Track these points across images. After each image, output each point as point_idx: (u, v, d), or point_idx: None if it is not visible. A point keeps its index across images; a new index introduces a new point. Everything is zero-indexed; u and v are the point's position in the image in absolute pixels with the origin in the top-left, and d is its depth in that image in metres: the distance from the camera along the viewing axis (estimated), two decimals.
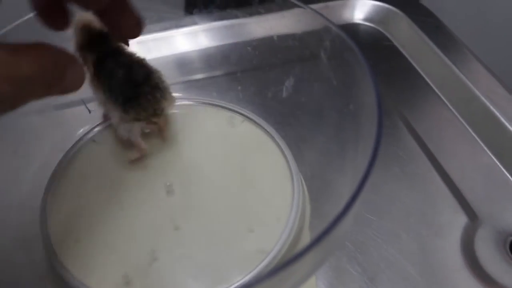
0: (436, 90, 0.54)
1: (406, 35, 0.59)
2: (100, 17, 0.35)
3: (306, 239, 0.39)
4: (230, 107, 0.47)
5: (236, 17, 0.45)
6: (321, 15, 0.39)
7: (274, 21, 0.44)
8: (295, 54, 0.44)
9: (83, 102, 0.44)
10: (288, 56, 0.45)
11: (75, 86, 0.29)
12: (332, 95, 0.40)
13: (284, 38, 0.44)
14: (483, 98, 0.50)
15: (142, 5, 0.34)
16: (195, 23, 0.50)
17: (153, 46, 0.52)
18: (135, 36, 0.36)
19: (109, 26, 0.36)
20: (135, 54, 0.40)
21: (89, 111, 0.43)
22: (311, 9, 0.40)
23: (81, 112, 0.44)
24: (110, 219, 0.39)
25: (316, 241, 0.26)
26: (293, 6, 0.41)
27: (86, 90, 0.46)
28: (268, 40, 0.45)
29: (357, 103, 0.36)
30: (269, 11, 0.44)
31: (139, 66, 0.39)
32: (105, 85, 0.39)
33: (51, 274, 0.37)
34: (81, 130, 0.44)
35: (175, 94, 0.40)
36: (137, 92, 0.38)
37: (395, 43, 0.59)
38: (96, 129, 0.45)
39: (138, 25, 0.35)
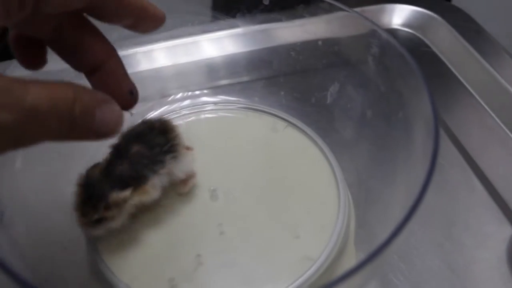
0: (477, 96, 0.54)
1: (445, 40, 0.59)
2: (90, 79, 0.31)
3: (351, 247, 0.39)
4: (273, 112, 0.47)
5: (280, 20, 0.46)
6: (370, 20, 0.39)
7: (318, 25, 0.44)
8: (340, 59, 0.44)
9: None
10: (333, 61, 0.45)
11: (109, 129, 0.26)
12: (379, 102, 0.40)
13: (329, 42, 0.45)
14: None
15: (186, 7, 0.34)
16: (237, 26, 0.50)
17: (195, 49, 0.52)
18: (127, 106, 0.32)
19: (100, 87, 0.31)
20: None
21: (131, 114, 0.44)
22: (358, 13, 0.41)
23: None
24: (154, 221, 0.39)
25: (373, 255, 0.26)
26: (339, 10, 0.42)
27: None
28: (312, 44, 0.46)
29: (408, 111, 0.36)
30: (313, 15, 0.44)
31: None
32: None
33: (94, 276, 0.37)
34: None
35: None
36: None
37: (434, 49, 0.59)
38: None
39: (132, 94, 0.32)
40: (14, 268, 0.26)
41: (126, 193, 0.35)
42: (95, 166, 0.37)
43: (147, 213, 0.39)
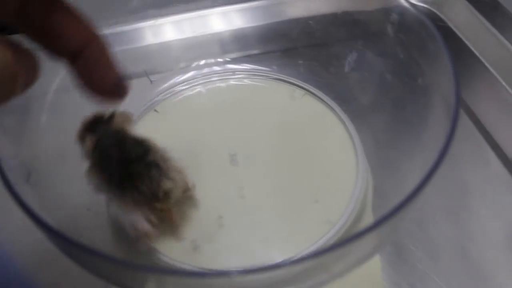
0: (493, 72, 0.54)
1: (460, 15, 0.59)
2: (72, 69, 0.28)
3: (368, 213, 0.41)
4: (291, 80, 0.48)
5: None
6: None
7: None
8: (358, 28, 0.45)
9: (146, 73, 0.46)
10: (351, 30, 0.46)
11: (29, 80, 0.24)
12: (398, 70, 0.42)
13: (347, 13, 0.46)
14: None
15: None
16: None
17: (210, 21, 0.53)
18: (113, 99, 0.29)
19: (81, 78, 0.28)
20: (140, 137, 0.37)
21: (151, 81, 0.45)
22: None
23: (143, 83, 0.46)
24: None
25: (391, 214, 0.27)
26: None
27: (148, 60, 0.48)
28: (331, 15, 0.47)
29: (428, 78, 0.38)
30: None
31: (136, 143, 0.36)
32: (99, 168, 0.35)
33: (117, 237, 0.39)
34: (143, 101, 0.46)
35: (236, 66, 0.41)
36: (129, 171, 0.34)
37: (449, 24, 0.60)
38: (157, 98, 0.47)
39: (118, 86, 0.28)
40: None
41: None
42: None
43: None
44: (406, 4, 0.39)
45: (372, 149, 0.43)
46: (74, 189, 0.40)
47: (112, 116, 0.36)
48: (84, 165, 0.38)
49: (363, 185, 0.40)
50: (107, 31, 0.48)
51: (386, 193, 0.41)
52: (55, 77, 0.40)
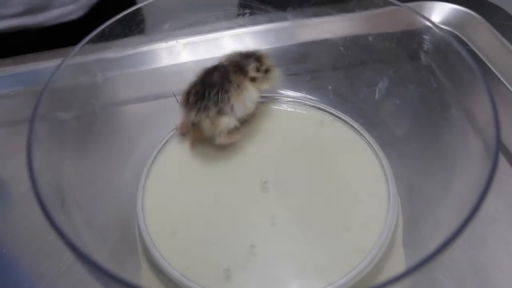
0: None
1: (484, 39, 0.60)
2: None
3: (399, 243, 0.41)
4: (320, 106, 0.49)
5: (330, 14, 0.47)
6: (424, 16, 0.41)
7: (369, 20, 0.46)
8: (390, 54, 0.46)
9: (174, 94, 0.46)
10: (383, 56, 0.47)
11: None
12: (430, 98, 0.42)
13: (379, 37, 0.46)
14: None
15: None
16: (286, 19, 0.51)
17: (246, 40, 0.54)
18: None
19: None
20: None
21: (176, 98, 0.46)
22: (411, 9, 0.42)
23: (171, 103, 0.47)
24: (207, 213, 0.41)
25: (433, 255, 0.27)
26: (390, 4, 0.43)
27: (176, 81, 0.48)
28: (362, 39, 0.47)
29: (462, 108, 0.38)
30: (364, 9, 0.46)
31: None
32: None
33: (149, 265, 0.39)
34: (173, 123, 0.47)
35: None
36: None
37: (473, 47, 0.60)
38: None
39: None
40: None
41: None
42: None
43: (199, 203, 0.42)
44: (442, 33, 0.40)
45: (403, 178, 0.43)
46: (105, 214, 0.40)
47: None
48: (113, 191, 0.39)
49: (394, 214, 0.40)
50: (133, 51, 0.49)
51: (416, 223, 0.42)
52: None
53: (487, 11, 0.62)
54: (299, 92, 0.51)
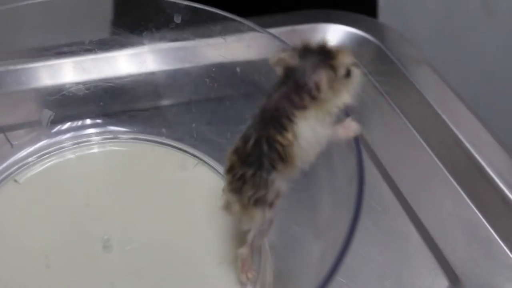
0: (415, 132, 0.54)
1: (381, 66, 0.60)
2: None
3: None
4: (182, 147, 0.47)
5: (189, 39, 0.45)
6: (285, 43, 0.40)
7: (235, 47, 0.44)
8: (259, 88, 0.43)
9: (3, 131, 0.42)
10: (252, 90, 0.44)
11: None
12: None
13: (247, 69, 0.44)
14: (466, 144, 0.51)
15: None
16: (142, 44, 0.48)
17: (91, 68, 0.50)
18: None
19: None
20: None
21: (11, 145, 0.42)
22: (274, 36, 0.41)
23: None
24: (33, 278, 0.37)
25: None
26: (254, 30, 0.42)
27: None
28: (229, 70, 0.45)
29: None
30: (230, 35, 0.44)
31: None
32: None
33: None
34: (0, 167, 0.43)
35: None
36: None
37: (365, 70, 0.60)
38: (18, 166, 0.44)
39: None
40: None
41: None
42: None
43: (24, 265, 0.38)
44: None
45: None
46: None
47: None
48: None
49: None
50: None
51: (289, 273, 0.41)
52: None
53: (385, 37, 0.62)
54: (157, 129, 0.49)
